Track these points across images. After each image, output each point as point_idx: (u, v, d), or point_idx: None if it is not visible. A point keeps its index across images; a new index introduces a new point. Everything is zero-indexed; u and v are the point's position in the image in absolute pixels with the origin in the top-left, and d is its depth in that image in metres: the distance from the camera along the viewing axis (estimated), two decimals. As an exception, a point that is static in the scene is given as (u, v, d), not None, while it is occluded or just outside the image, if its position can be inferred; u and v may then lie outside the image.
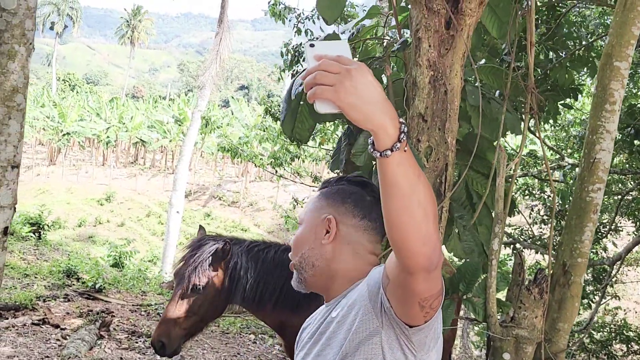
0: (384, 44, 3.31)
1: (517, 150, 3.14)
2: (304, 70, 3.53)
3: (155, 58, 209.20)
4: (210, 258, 3.98)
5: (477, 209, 3.01)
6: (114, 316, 8.93)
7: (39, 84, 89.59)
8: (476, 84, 3.15)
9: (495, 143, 3.22)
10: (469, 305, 2.84)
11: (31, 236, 14.47)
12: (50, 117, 47.44)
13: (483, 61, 4.24)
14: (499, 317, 2.83)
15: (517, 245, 9.32)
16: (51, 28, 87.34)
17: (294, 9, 11.82)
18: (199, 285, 3.93)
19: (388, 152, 1.26)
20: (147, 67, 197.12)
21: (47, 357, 6.91)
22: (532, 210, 12.00)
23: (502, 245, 10.22)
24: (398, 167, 1.27)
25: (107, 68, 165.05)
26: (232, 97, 48.13)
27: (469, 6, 2.87)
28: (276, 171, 14.04)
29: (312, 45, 1.34)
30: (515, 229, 11.40)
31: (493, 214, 3.16)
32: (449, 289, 2.93)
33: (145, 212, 40.13)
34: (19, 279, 10.09)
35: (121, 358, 7.23)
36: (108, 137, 47.46)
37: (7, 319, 8.08)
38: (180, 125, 43.53)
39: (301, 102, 3.55)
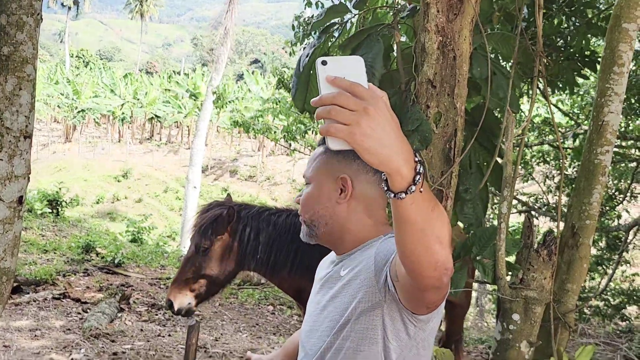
0: (394, 11, 3.30)
1: (528, 119, 3.14)
2: (312, 46, 3.52)
3: (169, 32, 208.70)
4: (215, 221, 4.06)
5: (477, 179, 3.03)
6: (133, 289, 9.10)
7: (52, 61, 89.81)
8: (484, 53, 3.14)
9: (501, 115, 3.21)
10: (479, 267, 2.87)
11: (49, 213, 14.68)
12: (64, 94, 47.60)
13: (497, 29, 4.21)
14: (508, 280, 2.87)
15: (532, 213, 9.30)
16: (63, 4, 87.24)
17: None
18: (204, 247, 4.02)
19: (402, 195, 1.20)
20: (160, 42, 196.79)
21: (69, 329, 7.06)
22: (547, 177, 11.95)
23: (518, 214, 10.19)
24: (412, 206, 1.22)
25: (120, 43, 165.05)
26: (247, 71, 47.98)
27: (476, -30, 2.87)
28: (290, 144, 14.02)
29: (324, 63, 1.23)
30: (530, 197, 11.37)
31: (490, 187, 3.20)
32: (461, 252, 2.96)
33: (163, 188, 40.40)
34: (39, 254, 10.27)
35: (141, 329, 7.37)
36: (123, 113, 47.62)
37: (28, 293, 8.26)
38: (195, 100, 43.55)
39: (311, 72, 3.56)
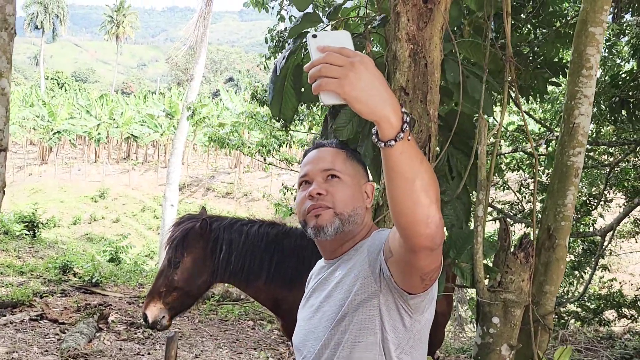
0: (365, 21, 3.34)
1: (500, 122, 3.18)
2: (288, 50, 3.54)
3: (143, 53, 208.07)
4: (188, 234, 4.06)
5: (458, 184, 3.06)
6: (112, 309, 8.97)
7: (27, 84, 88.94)
8: (456, 59, 3.18)
9: (475, 120, 3.25)
10: (457, 271, 2.89)
11: (26, 234, 14.48)
12: (40, 117, 47.18)
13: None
14: (486, 283, 2.88)
15: (508, 220, 9.38)
16: (37, 27, 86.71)
17: (275, -5, 11.75)
18: (176, 259, 4.02)
19: (392, 142, 1.29)
20: (135, 62, 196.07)
21: (47, 351, 6.94)
22: (522, 185, 12.05)
23: (494, 221, 10.28)
24: (401, 155, 1.31)
25: (95, 65, 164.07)
26: (222, 88, 47.99)
27: (445, -21, 2.91)
28: (264, 159, 14.08)
29: (314, 37, 1.36)
30: (505, 204, 11.46)
31: (470, 190, 3.23)
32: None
33: (140, 207, 40.10)
34: (15, 276, 10.11)
35: (120, 349, 7.27)
36: (99, 133, 47.30)
37: (5, 315, 8.11)
38: (171, 118, 43.40)
39: (285, 83, 3.58)
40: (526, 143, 10.72)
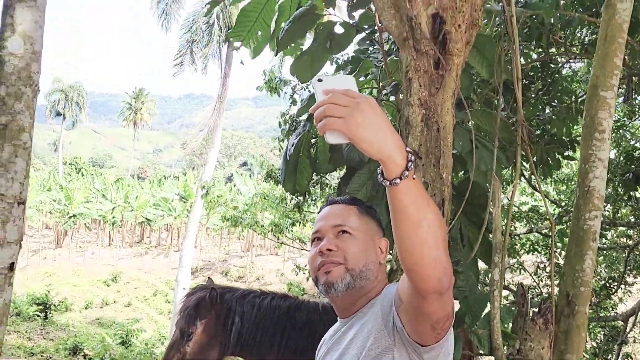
0: (378, 88, 3.41)
1: (515, 203, 3.19)
2: (301, 130, 3.60)
3: (159, 139, 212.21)
4: (198, 305, 4.00)
5: (469, 253, 3.04)
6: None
7: (46, 169, 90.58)
8: (466, 128, 3.22)
9: (487, 191, 3.25)
10: (474, 338, 2.81)
11: (38, 316, 14.36)
12: (56, 201, 47.73)
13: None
14: (505, 350, 2.81)
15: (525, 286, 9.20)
16: (58, 114, 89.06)
17: (289, 81, 12.08)
18: (188, 331, 3.94)
19: (397, 181, 1.30)
20: (151, 148, 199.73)
21: None
22: (538, 267, 11.86)
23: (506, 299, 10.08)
24: (406, 195, 1.32)
25: (112, 151, 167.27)
26: (236, 172, 48.56)
27: (455, 46, 2.98)
28: (278, 238, 14.08)
29: (320, 80, 1.39)
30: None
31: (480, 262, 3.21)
32: (455, 323, 2.91)
33: (152, 291, 39.82)
34: (25, 357, 9.97)
35: None
36: (114, 217, 47.61)
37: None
38: (185, 202, 43.73)
39: (300, 156, 3.63)
40: (542, 223, 10.64)
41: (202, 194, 20.39)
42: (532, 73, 6.41)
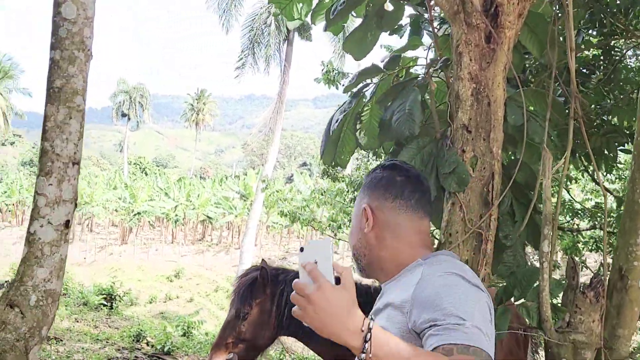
0: (427, 63, 3.43)
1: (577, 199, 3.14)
2: (347, 106, 3.61)
3: (221, 140, 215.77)
4: (252, 284, 4.06)
5: (517, 231, 3.03)
6: (182, 376, 9.03)
7: (112, 169, 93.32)
8: (519, 104, 3.21)
9: (536, 170, 3.20)
10: (522, 310, 2.81)
11: (103, 305, 14.87)
12: (122, 199, 49.16)
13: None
14: (554, 323, 2.79)
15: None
16: (123, 115, 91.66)
17: (348, 74, 12.07)
18: (243, 311, 4.00)
19: (362, 356, 1.41)
20: (212, 149, 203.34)
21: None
22: (602, 265, 11.52)
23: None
24: None
25: (175, 151, 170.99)
26: (296, 171, 49.03)
27: (507, 19, 2.97)
28: (335, 234, 14.13)
29: (302, 250, 1.55)
30: None
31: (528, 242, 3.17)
32: (503, 296, 2.92)
33: (213, 287, 40.52)
34: (91, 343, 10.34)
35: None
36: (176, 215, 48.67)
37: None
38: (245, 200, 44.33)
39: (343, 130, 3.67)
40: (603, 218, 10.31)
41: (261, 187, 20.60)
42: (593, 62, 6.25)
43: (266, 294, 4.14)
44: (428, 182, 2.00)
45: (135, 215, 47.56)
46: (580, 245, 10.87)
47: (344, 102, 3.61)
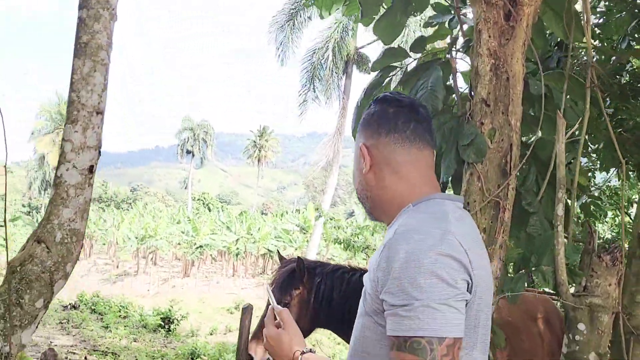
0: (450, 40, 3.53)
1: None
2: (374, 82, 3.75)
3: (283, 177, 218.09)
4: (290, 275, 4.12)
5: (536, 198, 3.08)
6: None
7: (176, 205, 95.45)
8: (539, 78, 3.28)
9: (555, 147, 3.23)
10: (538, 275, 2.84)
11: (161, 327, 15.20)
12: (185, 232, 50.14)
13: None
14: (571, 288, 2.81)
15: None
16: (188, 152, 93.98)
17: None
18: (283, 301, 4.05)
19: None
20: (275, 185, 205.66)
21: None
22: (619, 231, 10.96)
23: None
24: None
25: (238, 188, 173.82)
26: (356, 203, 49.06)
27: (526, -5, 3.08)
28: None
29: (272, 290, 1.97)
30: None
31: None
32: (521, 263, 2.96)
33: (273, 320, 40.59)
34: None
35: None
36: (238, 248, 49.25)
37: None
38: (305, 233, 44.55)
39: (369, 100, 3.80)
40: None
41: (315, 215, 20.75)
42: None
43: (304, 285, 4.22)
44: (427, 110, 1.89)
45: (197, 248, 48.39)
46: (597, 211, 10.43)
47: (374, 76, 3.73)
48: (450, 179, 3.22)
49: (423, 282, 1.48)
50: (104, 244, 51.79)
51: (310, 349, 1.79)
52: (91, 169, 3.19)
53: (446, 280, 1.49)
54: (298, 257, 4.26)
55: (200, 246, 48.36)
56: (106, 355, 10.52)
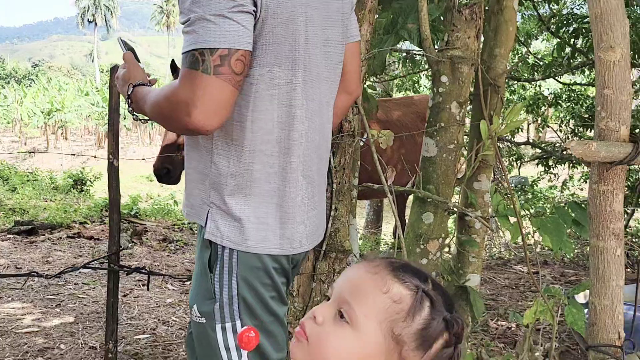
0: None
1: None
2: None
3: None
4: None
5: None
6: (146, 230, 9.29)
7: (84, 79, 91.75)
8: None
9: None
10: (404, 33, 2.95)
11: (73, 187, 15.08)
12: (95, 104, 48.63)
13: None
14: (435, 46, 2.94)
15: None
16: (89, 21, 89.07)
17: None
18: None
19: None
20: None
21: (80, 255, 7.32)
22: (562, 121, 11.46)
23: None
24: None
25: (150, 59, 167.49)
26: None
27: None
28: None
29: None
30: (548, 145, 10.20)
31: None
32: (389, 27, 3.06)
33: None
34: (58, 212, 10.53)
35: (150, 252, 7.59)
36: (152, 116, 48.44)
37: (44, 235, 8.52)
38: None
39: None
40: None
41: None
42: None
43: None
44: None
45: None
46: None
47: None
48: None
49: None
50: (8, 123, 49.61)
51: (144, 83, 1.83)
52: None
53: None
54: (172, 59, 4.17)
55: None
56: (14, 212, 10.44)
